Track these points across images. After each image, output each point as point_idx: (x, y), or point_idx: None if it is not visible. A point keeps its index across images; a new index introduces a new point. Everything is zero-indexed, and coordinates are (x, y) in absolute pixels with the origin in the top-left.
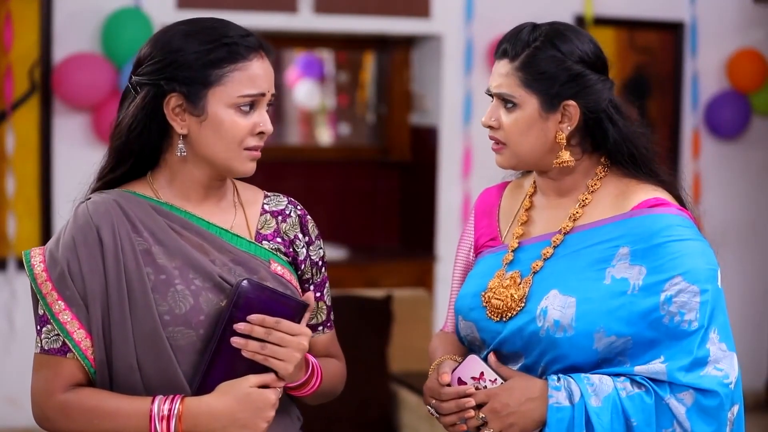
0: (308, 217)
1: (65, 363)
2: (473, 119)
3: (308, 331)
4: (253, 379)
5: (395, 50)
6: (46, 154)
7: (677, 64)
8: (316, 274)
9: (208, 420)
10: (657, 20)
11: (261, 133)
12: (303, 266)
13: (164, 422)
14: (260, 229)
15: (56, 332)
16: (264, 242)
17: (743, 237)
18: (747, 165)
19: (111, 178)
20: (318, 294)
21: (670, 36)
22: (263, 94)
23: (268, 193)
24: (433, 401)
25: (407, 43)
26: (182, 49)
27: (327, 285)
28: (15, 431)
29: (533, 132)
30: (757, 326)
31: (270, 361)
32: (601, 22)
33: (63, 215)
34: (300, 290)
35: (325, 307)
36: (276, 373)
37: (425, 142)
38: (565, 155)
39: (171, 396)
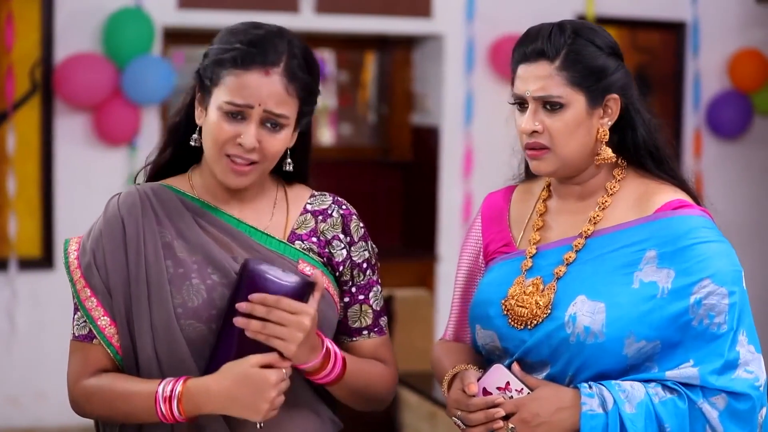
0: (353, 216)
1: (92, 349)
2: (474, 119)
3: (311, 309)
4: (255, 359)
5: (396, 50)
6: (47, 154)
7: (679, 64)
8: (358, 276)
9: (207, 400)
10: (658, 20)
11: (241, 145)
12: (342, 267)
13: (167, 403)
14: (296, 228)
15: (84, 319)
16: (297, 242)
17: (745, 237)
18: (748, 165)
19: (158, 161)
20: (361, 297)
21: (672, 36)
22: (250, 107)
23: (316, 193)
24: (459, 413)
25: (408, 43)
26: (210, 47)
27: (375, 289)
28: (16, 431)
29: (581, 131)
30: (759, 327)
31: (272, 340)
32: (603, 21)
33: (64, 216)
34: (335, 291)
35: (371, 310)
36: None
37: (426, 142)
38: (608, 151)
39: (176, 378)
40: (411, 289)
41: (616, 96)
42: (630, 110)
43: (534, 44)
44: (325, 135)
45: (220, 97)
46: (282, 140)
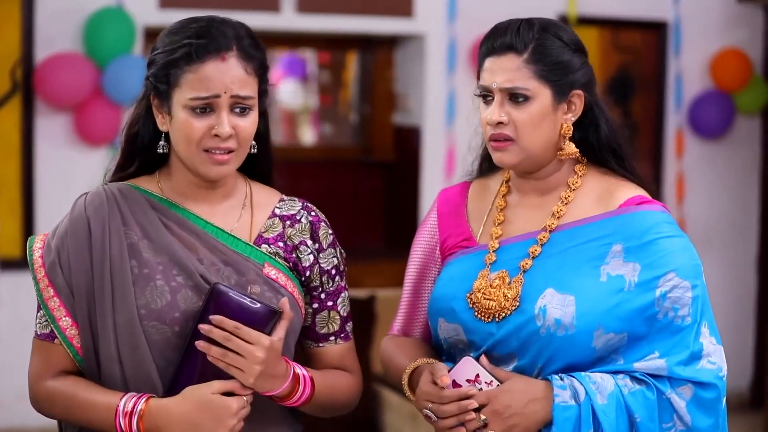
0: (322, 223)
1: (53, 349)
2: (456, 119)
3: (266, 341)
4: (217, 385)
5: (378, 50)
6: (28, 154)
7: (661, 64)
8: (327, 283)
9: (167, 423)
10: (640, 20)
11: (218, 135)
12: (309, 273)
13: (127, 418)
14: (263, 232)
15: (46, 318)
16: (263, 245)
17: (727, 237)
18: (731, 165)
19: (120, 176)
20: (330, 303)
21: (654, 35)
22: (216, 96)
23: (285, 198)
24: (430, 405)
25: (390, 42)
26: (154, 50)
27: (343, 295)
28: None
29: (545, 125)
30: (740, 326)
31: (231, 369)
32: (585, 21)
33: (45, 216)
34: (299, 296)
35: (338, 317)
36: None
37: (408, 141)
38: (571, 146)
39: (138, 395)
40: (393, 289)
41: (580, 92)
42: (594, 108)
43: (503, 38)
44: (307, 135)
45: (183, 96)
46: (252, 122)
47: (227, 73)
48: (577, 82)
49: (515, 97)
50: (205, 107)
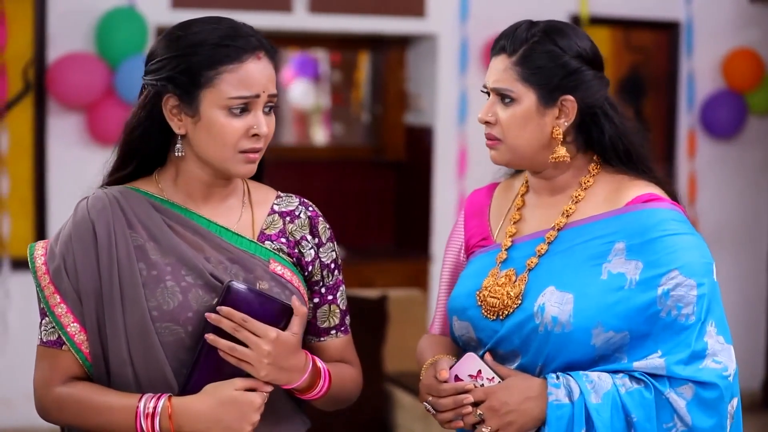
0: (320, 218)
1: (61, 355)
2: (468, 119)
3: (273, 333)
4: (239, 382)
5: (390, 50)
6: (40, 154)
7: (673, 64)
8: (328, 277)
9: (190, 421)
10: (652, 20)
11: (256, 135)
12: (311, 268)
13: (149, 420)
14: (265, 229)
15: (53, 325)
16: (266, 242)
17: (738, 237)
18: (743, 165)
19: (118, 176)
20: (330, 297)
21: (666, 35)
22: (257, 96)
23: (282, 194)
24: (430, 398)
25: (402, 42)
26: (176, 51)
27: (341, 288)
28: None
29: (530, 127)
30: (752, 326)
31: (242, 364)
32: (597, 21)
33: (57, 216)
34: (304, 291)
35: (338, 310)
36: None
37: (420, 141)
38: (561, 150)
39: (158, 395)
40: (404, 289)
41: (570, 97)
42: (598, 114)
43: (502, 40)
44: (319, 135)
45: (219, 96)
46: (274, 121)
47: (264, 73)
48: (567, 87)
49: (503, 97)
50: (244, 107)
